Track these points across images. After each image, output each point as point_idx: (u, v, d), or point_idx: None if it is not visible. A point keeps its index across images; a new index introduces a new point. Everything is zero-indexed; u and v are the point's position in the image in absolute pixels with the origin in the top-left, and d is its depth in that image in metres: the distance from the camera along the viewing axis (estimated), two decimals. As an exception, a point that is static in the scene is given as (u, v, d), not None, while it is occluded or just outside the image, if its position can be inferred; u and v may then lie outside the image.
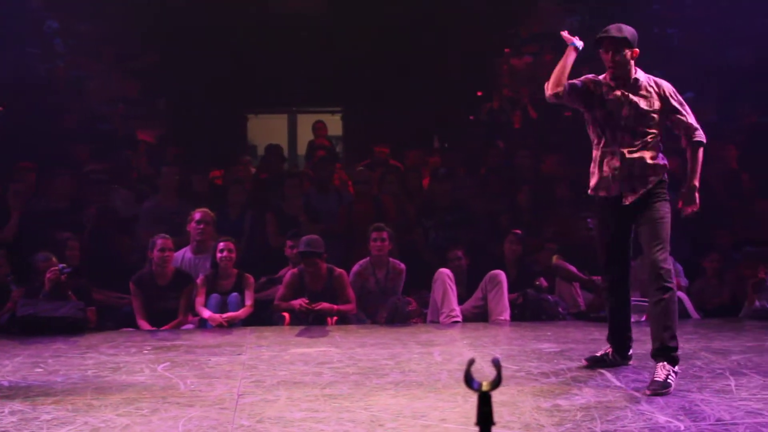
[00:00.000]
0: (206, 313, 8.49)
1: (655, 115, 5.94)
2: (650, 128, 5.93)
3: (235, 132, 14.51)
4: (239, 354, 6.97)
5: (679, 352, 5.75)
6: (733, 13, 13.95)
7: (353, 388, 5.72)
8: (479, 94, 14.58)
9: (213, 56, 13.40)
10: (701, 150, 6.00)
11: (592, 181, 6.08)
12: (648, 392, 5.43)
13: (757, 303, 8.76)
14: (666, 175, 5.99)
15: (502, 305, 8.68)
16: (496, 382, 2.42)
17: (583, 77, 6.07)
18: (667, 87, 6.01)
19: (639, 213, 5.93)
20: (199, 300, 8.61)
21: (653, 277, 5.75)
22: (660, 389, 5.44)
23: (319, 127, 12.87)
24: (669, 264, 5.80)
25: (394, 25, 13.93)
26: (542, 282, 9.08)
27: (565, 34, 6.09)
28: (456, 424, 4.80)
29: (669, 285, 5.70)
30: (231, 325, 8.42)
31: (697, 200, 5.96)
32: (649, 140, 5.93)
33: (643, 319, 7.40)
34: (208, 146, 12.37)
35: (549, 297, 8.98)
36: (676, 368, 5.65)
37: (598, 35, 5.95)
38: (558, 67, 5.98)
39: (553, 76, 5.97)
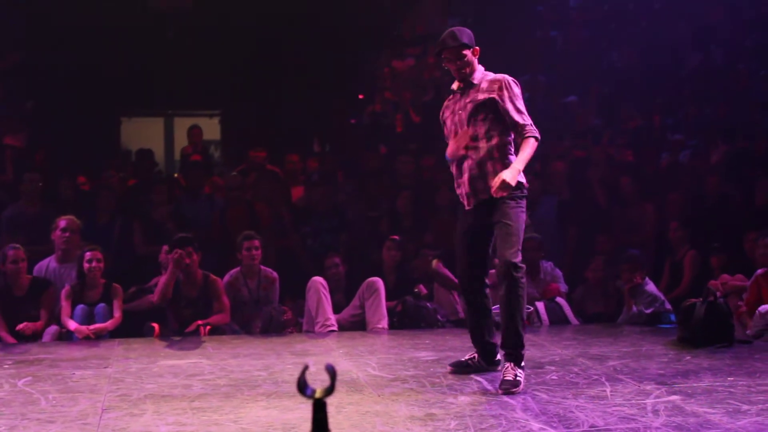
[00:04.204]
0: (72, 325, 8.23)
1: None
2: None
3: (108, 136, 14.08)
4: (106, 367, 6.76)
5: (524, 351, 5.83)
6: (616, 16, 14.14)
7: (223, 400, 5.59)
8: (361, 96, 14.43)
9: (85, 56, 12.97)
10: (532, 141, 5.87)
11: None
12: (500, 391, 5.55)
13: (634, 308, 8.79)
14: None
15: (380, 313, 8.57)
16: (330, 390, 2.45)
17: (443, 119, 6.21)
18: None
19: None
20: (65, 311, 8.34)
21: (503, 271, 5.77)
22: (511, 388, 5.55)
23: (194, 133, 12.61)
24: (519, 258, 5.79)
25: (272, 24, 13.71)
26: (421, 289, 9.00)
27: None
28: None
29: (519, 276, 5.71)
30: (98, 337, 8.18)
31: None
32: None
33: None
34: (77, 151, 11.96)
35: (428, 304, 8.89)
36: (522, 365, 5.75)
37: (436, 50, 6.01)
38: None
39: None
